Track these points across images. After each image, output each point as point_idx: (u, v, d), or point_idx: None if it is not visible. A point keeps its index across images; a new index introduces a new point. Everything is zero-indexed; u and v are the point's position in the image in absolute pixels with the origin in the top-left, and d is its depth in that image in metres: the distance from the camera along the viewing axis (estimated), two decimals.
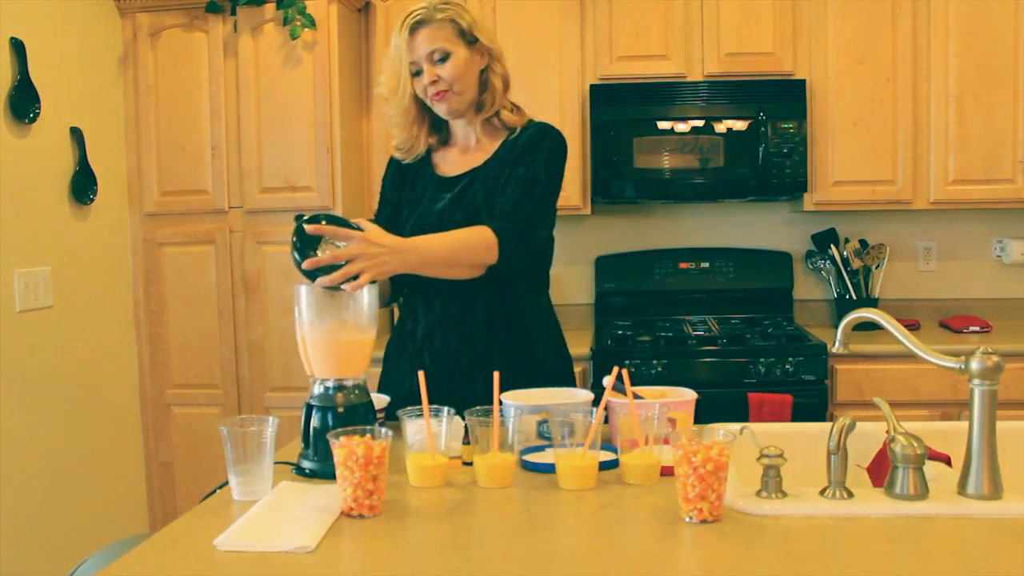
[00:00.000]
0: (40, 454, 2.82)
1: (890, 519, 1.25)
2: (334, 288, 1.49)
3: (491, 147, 1.91)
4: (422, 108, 1.91)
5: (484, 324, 1.87)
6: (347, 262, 1.51)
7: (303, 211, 1.56)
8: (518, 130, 1.90)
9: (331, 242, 1.52)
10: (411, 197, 1.95)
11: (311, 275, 1.50)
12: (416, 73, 1.85)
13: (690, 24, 3.29)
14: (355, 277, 1.51)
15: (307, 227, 1.50)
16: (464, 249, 1.75)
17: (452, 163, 1.95)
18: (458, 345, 1.87)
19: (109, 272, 3.23)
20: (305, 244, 1.51)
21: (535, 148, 1.87)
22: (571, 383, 1.96)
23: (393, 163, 2.01)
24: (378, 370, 1.98)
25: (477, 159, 1.91)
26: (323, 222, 1.53)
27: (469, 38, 1.85)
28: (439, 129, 1.97)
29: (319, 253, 1.51)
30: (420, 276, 1.74)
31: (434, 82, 1.83)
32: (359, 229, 1.56)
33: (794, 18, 3.28)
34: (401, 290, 1.94)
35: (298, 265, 1.51)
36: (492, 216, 1.81)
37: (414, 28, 1.82)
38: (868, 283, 3.47)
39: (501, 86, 1.90)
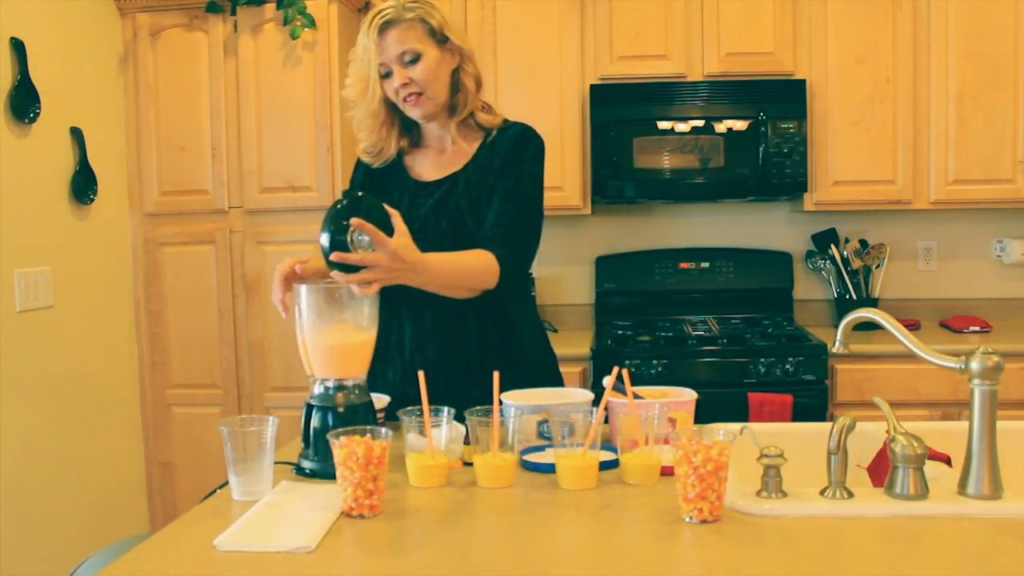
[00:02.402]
0: (40, 454, 2.82)
1: (890, 519, 1.25)
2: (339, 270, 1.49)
3: (468, 149, 1.88)
4: (392, 110, 1.86)
5: (477, 332, 1.86)
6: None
7: (346, 188, 1.55)
8: (494, 132, 1.88)
9: (358, 233, 1.50)
10: (387, 203, 1.92)
11: (330, 262, 1.49)
12: (385, 75, 1.80)
13: (690, 24, 3.29)
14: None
15: (354, 221, 1.46)
16: (471, 275, 1.74)
17: (428, 167, 1.91)
18: (452, 355, 1.86)
19: (109, 272, 3.23)
20: (337, 223, 1.49)
21: (520, 157, 1.85)
22: (559, 381, 1.96)
23: (361, 167, 1.96)
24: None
25: (456, 162, 1.88)
26: (364, 208, 1.51)
27: (439, 38, 1.81)
28: (409, 131, 1.92)
29: (348, 240, 1.50)
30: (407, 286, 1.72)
31: (405, 84, 1.79)
32: (391, 228, 1.53)
33: (794, 18, 3.28)
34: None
35: (323, 248, 1.50)
36: (485, 236, 1.79)
37: (383, 28, 1.77)
38: (868, 283, 3.47)
39: (473, 86, 1.87)
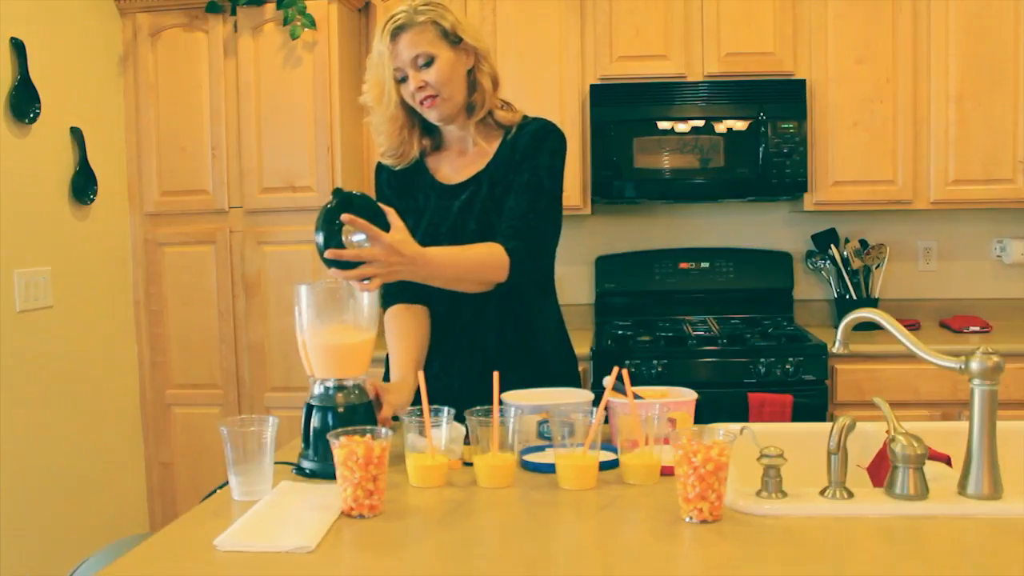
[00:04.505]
0: (40, 454, 2.82)
1: (890, 519, 1.25)
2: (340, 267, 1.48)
3: (489, 149, 1.87)
4: (410, 113, 1.85)
5: (496, 328, 1.86)
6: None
7: (340, 186, 1.55)
8: (514, 129, 1.87)
9: (354, 231, 1.49)
10: (412, 205, 1.90)
11: (326, 260, 1.49)
12: (401, 79, 1.80)
13: (690, 24, 3.29)
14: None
15: (343, 216, 1.46)
16: (477, 268, 1.73)
17: (452, 169, 1.90)
18: (471, 350, 1.86)
19: (109, 272, 3.23)
20: (331, 222, 1.49)
21: (538, 151, 1.83)
22: (576, 383, 1.95)
23: (384, 171, 1.94)
24: (378, 370, 1.97)
25: (478, 163, 1.87)
26: (355, 203, 1.51)
27: (453, 39, 1.79)
28: (431, 132, 1.91)
29: (343, 238, 1.50)
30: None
31: (421, 87, 1.77)
32: (386, 224, 1.53)
33: (794, 18, 3.28)
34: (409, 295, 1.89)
35: (319, 247, 1.50)
36: (500, 230, 1.79)
37: (395, 33, 1.76)
38: (868, 283, 3.47)
39: (490, 85, 1.85)
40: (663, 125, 3.26)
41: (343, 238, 1.49)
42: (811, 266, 3.57)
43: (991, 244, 3.59)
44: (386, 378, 1.92)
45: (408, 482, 1.45)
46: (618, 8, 3.30)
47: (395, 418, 1.72)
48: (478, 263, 1.73)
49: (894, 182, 3.29)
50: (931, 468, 1.35)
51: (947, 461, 1.48)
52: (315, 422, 1.50)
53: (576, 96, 3.33)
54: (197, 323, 3.30)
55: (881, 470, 1.45)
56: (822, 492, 1.32)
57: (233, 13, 3.19)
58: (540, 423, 1.59)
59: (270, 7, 3.17)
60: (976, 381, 1.32)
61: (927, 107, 3.26)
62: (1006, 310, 3.56)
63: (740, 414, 2.75)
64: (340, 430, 1.34)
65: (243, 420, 1.40)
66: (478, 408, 1.48)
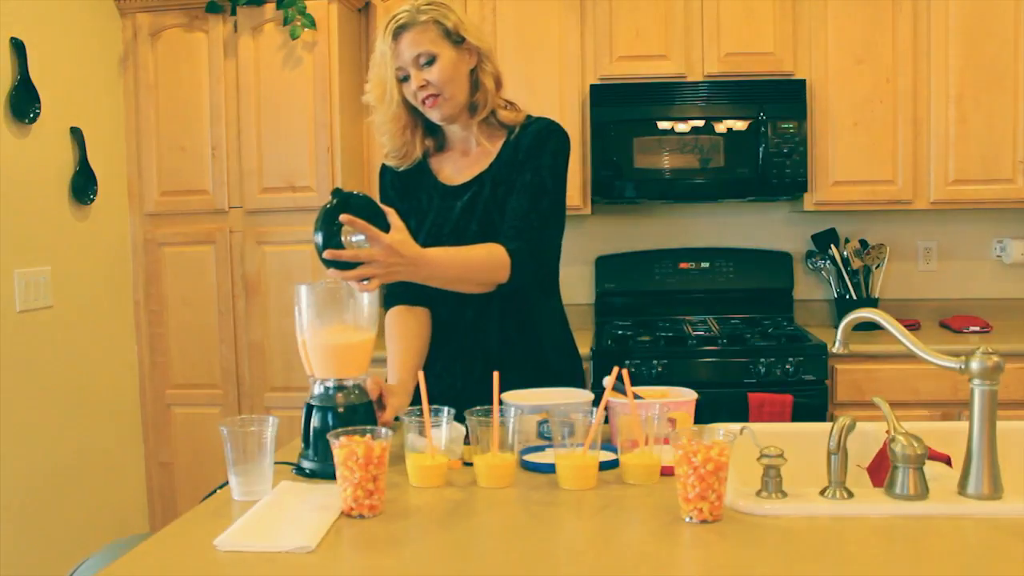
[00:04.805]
0: (40, 454, 2.82)
1: (890, 519, 1.25)
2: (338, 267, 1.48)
3: (492, 149, 1.87)
4: (413, 113, 1.85)
5: (499, 328, 1.85)
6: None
7: (340, 187, 1.55)
8: (517, 129, 1.86)
9: (354, 232, 1.49)
10: (416, 206, 1.90)
11: (324, 260, 1.48)
12: (404, 79, 1.79)
13: (690, 24, 3.29)
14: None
15: (342, 217, 1.46)
16: (478, 269, 1.72)
17: (455, 170, 1.90)
18: (473, 349, 1.86)
19: (109, 272, 3.23)
20: (330, 223, 1.49)
21: (540, 150, 1.83)
22: (580, 383, 1.94)
23: (388, 172, 1.94)
24: (377, 370, 1.97)
25: (482, 164, 1.86)
26: (353, 204, 1.51)
27: (455, 38, 1.78)
28: (434, 132, 1.91)
29: (342, 239, 1.50)
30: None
31: (423, 87, 1.77)
32: (386, 224, 1.52)
33: (794, 18, 3.28)
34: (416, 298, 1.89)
35: (318, 247, 1.50)
36: (503, 230, 1.78)
37: (397, 32, 1.76)
38: (868, 283, 3.47)
39: (493, 85, 1.84)
40: (663, 125, 3.26)
41: (342, 238, 1.49)
42: (811, 266, 3.57)
43: (991, 244, 3.59)
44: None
45: (408, 482, 1.45)
46: (618, 8, 3.30)
47: (395, 418, 1.72)
48: (479, 264, 1.73)
49: (894, 182, 3.29)
50: (931, 468, 1.35)
51: (947, 461, 1.48)
52: (315, 422, 1.50)
53: (576, 96, 3.33)
54: (197, 323, 3.30)
55: (881, 470, 1.45)
56: (822, 492, 1.32)
57: (233, 13, 3.19)
58: (540, 423, 1.59)
59: (270, 7, 3.17)
60: (976, 381, 1.32)
61: (927, 107, 3.26)
62: (1006, 310, 3.56)
63: (740, 414, 2.76)
64: (340, 430, 1.34)
65: (243, 420, 1.40)
66: (478, 408, 1.48)
